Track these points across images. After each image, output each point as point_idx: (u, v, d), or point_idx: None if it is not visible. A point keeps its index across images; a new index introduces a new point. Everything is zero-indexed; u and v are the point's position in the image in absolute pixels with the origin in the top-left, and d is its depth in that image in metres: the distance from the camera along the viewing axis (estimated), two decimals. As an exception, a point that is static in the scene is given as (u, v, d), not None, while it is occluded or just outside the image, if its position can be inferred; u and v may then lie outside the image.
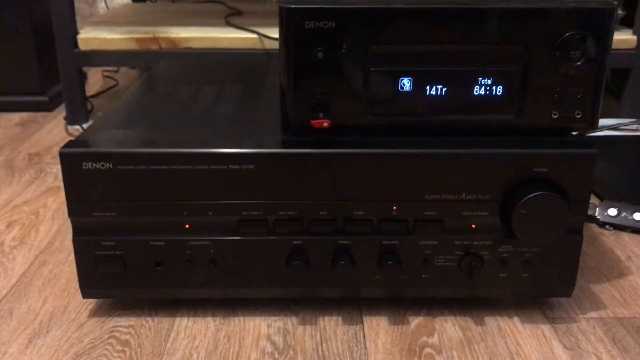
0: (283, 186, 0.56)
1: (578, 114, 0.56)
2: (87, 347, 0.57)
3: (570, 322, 0.61)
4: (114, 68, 1.63)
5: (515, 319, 0.62)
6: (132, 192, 0.55)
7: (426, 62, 0.55)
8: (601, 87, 0.56)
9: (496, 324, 0.61)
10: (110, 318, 0.61)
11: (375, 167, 0.55)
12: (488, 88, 0.56)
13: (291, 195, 0.56)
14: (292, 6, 0.52)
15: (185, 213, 0.56)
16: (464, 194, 0.56)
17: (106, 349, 0.57)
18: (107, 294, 0.61)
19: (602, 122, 1.13)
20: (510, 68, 0.55)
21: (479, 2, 0.54)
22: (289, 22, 0.53)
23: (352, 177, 0.56)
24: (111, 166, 0.54)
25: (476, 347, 0.58)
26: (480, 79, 0.55)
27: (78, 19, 1.20)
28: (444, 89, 0.55)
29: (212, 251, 0.58)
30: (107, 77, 1.58)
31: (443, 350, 0.57)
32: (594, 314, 0.63)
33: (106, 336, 0.59)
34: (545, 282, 0.60)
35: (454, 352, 0.57)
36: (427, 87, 0.55)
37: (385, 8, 0.53)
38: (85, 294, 0.60)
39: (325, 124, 0.54)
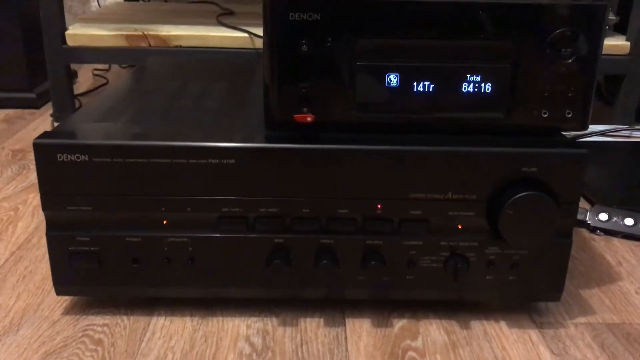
0: (264, 182, 0.54)
1: (568, 114, 0.55)
2: (59, 345, 0.55)
3: (559, 327, 0.60)
4: (105, 66, 1.61)
5: (502, 323, 0.60)
6: (108, 186, 0.54)
7: (414, 57, 0.53)
8: (592, 87, 0.55)
9: (482, 328, 0.59)
10: (84, 316, 0.59)
11: (360, 164, 0.54)
12: (477, 85, 0.54)
13: (273, 191, 0.54)
14: (277, -3, 0.51)
15: (163, 208, 0.55)
16: (450, 193, 0.55)
17: (78, 347, 0.55)
18: (81, 292, 0.59)
19: (595, 127, 1.12)
20: (500, 65, 0.54)
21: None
22: (273, 13, 0.52)
23: (336, 174, 0.54)
24: (87, 158, 0.53)
25: (461, 352, 0.56)
26: (469, 75, 0.54)
27: (71, 17, 1.18)
28: (432, 86, 0.54)
29: (191, 248, 0.56)
30: (98, 75, 1.56)
31: (427, 354, 0.55)
32: (582, 320, 0.61)
33: (79, 335, 0.57)
34: (533, 285, 0.58)
35: (438, 356, 0.55)
36: (415, 83, 0.54)
37: (372, 0, 0.51)
38: (59, 291, 0.58)
39: (308, 119, 0.53)
